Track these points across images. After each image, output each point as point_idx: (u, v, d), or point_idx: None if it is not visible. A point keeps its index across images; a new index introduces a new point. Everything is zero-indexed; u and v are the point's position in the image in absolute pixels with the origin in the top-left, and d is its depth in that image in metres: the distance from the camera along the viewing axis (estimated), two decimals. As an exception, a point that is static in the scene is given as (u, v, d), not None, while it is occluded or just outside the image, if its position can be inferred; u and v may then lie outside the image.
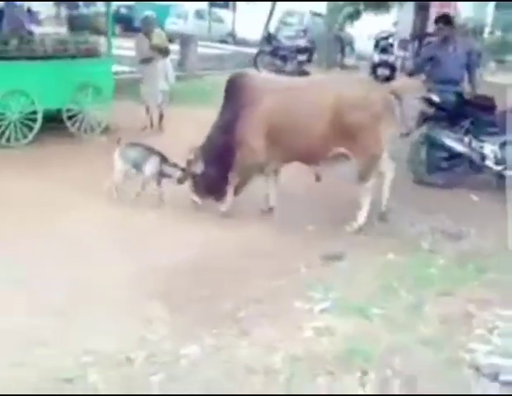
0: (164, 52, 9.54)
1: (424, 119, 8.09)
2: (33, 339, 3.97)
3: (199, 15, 27.57)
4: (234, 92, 6.30)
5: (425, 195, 7.49)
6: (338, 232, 6.18)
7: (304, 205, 6.90)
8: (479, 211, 6.98)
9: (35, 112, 8.52)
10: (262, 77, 6.91)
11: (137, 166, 6.60)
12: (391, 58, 14.91)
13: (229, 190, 6.50)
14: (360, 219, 6.27)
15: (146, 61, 9.46)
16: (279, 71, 14.39)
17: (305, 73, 13.85)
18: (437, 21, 8.53)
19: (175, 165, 6.57)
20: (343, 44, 18.98)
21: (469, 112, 7.65)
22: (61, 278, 4.87)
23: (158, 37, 9.51)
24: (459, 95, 7.84)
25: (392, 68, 14.93)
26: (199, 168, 6.42)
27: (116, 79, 10.02)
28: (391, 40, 16.25)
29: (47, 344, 3.95)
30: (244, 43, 24.80)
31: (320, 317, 4.35)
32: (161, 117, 9.85)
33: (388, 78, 14.84)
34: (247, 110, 6.15)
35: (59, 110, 8.91)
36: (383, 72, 14.65)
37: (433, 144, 7.84)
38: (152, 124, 9.84)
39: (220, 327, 4.24)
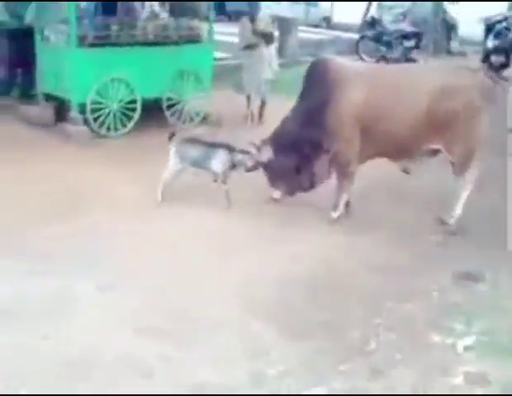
0: (269, 38, 8.94)
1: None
2: (137, 368, 3.52)
3: (294, -2, 26.79)
4: (320, 79, 5.67)
5: None
6: (468, 243, 5.43)
7: (413, 207, 6.16)
8: None
9: (134, 101, 8.17)
10: (349, 63, 6.33)
11: (198, 163, 5.98)
12: (506, 44, 13.67)
13: (341, 194, 5.87)
14: (457, 213, 5.64)
15: (250, 47, 8.90)
16: (383, 58, 13.58)
17: (412, 61, 12.94)
18: None
19: (244, 151, 5.94)
20: (449, 28, 17.75)
21: None
22: (159, 294, 4.40)
23: (264, 22, 8.92)
24: None
25: (507, 54, 13.69)
26: (267, 158, 5.82)
27: (214, 66, 9.56)
28: (505, 24, 14.92)
29: (152, 375, 3.48)
30: (338, 27, 23.85)
31: (468, 357, 3.68)
32: (262, 107, 9.27)
33: (504, 65, 13.64)
34: (337, 98, 5.55)
35: (157, 99, 8.52)
36: (498, 58, 13.45)
37: None
38: (253, 115, 9.30)
39: (348, 362, 3.65)
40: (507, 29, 14.31)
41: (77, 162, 7.03)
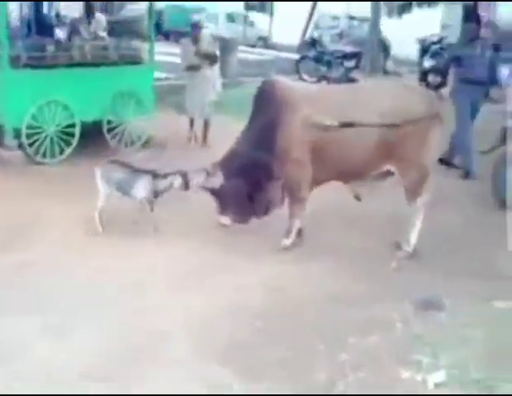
0: (213, 58, 8.72)
1: (505, 135, 7.21)
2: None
3: (230, 18, 26.79)
4: (269, 101, 5.49)
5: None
6: (424, 268, 5.34)
7: (365, 232, 6.05)
8: None
9: (72, 125, 7.78)
10: (298, 85, 6.26)
11: (122, 189, 5.71)
12: (441, 64, 13.93)
13: (293, 220, 5.68)
14: (412, 240, 5.58)
15: (193, 69, 8.65)
16: (324, 78, 13.61)
17: (352, 81, 13.00)
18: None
19: (167, 175, 5.74)
20: (384, 48, 18.05)
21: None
22: (106, 333, 4.09)
23: (206, 42, 8.70)
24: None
25: (443, 74, 13.94)
26: (217, 183, 5.59)
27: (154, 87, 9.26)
28: (439, 45, 15.26)
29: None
30: (276, 47, 23.97)
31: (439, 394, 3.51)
32: (206, 129, 9.03)
33: (440, 85, 13.89)
34: (286, 120, 5.39)
35: (97, 122, 8.15)
36: (435, 79, 13.66)
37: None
38: (196, 137, 9.05)
39: (316, 406, 3.42)
40: (442, 49, 14.63)
41: (12, 191, 6.58)
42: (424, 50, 15.30)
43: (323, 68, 13.80)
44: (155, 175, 5.73)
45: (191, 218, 6.04)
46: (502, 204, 6.92)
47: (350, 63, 13.53)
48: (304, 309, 4.54)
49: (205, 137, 9.04)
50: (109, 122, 8.19)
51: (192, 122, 8.99)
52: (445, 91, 13.90)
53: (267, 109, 5.53)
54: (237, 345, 4.01)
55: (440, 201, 6.47)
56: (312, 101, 5.48)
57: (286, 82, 5.86)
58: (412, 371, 3.73)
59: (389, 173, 5.56)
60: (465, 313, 4.49)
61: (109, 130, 8.22)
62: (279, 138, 5.42)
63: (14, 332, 4.00)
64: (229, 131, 9.47)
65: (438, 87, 13.87)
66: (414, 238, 5.55)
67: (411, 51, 20.01)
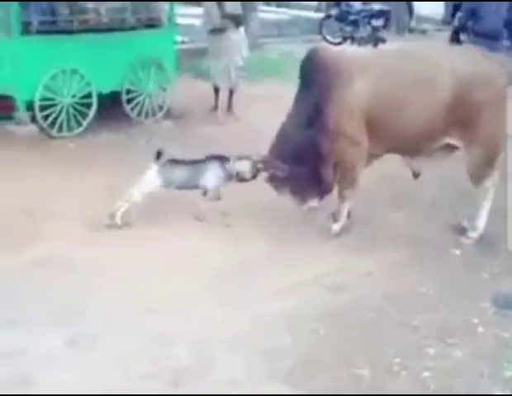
0: (238, 21, 8.01)
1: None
2: None
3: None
4: (318, 72, 4.83)
5: None
6: (493, 255, 4.74)
7: (422, 212, 5.42)
8: None
9: (89, 95, 7.15)
10: (350, 51, 5.74)
11: (187, 184, 5.07)
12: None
13: (343, 202, 5.08)
14: (480, 225, 4.96)
15: (217, 32, 7.93)
16: (351, 38, 12.80)
17: (381, 41, 12.20)
18: None
19: (235, 159, 5.12)
20: (410, 5, 17.06)
21: None
22: (144, 347, 3.55)
23: (232, 4, 7.95)
24: None
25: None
26: (282, 170, 4.94)
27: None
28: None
29: None
30: (289, 6, 22.97)
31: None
32: (231, 97, 8.35)
33: (473, 44, 13.08)
34: (339, 92, 4.76)
35: (115, 92, 7.50)
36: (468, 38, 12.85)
37: None
38: (222, 107, 8.37)
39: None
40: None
41: (26, 170, 5.99)
42: (456, 7, 14.35)
43: (348, 28, 12.95)
44: (225, 160, 5.11)
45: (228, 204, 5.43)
46: None
47: (378, 23, 12.66)
48: (370, 314, 3.94)
49: (230, 106, 8.37)
50: (128, 92, 7.55)
51: (216, 90, 8.30)
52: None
53: (315, 83, 4.84)
54: (302, 360, 3.44)
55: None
56: (367, 71, 4.82)
57: (336, 51, 5.28)
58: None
59: (454, 148, 4.93)
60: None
61: (128, 101, 7.59)
62: (331, 114, 4.78)
63: (32, 348, 3.45)
64: (257, 98, 8.88)
65: (470, 46, 13.08)
66: (482, 222, 4.93)
67: (435, 8, 18.96)
